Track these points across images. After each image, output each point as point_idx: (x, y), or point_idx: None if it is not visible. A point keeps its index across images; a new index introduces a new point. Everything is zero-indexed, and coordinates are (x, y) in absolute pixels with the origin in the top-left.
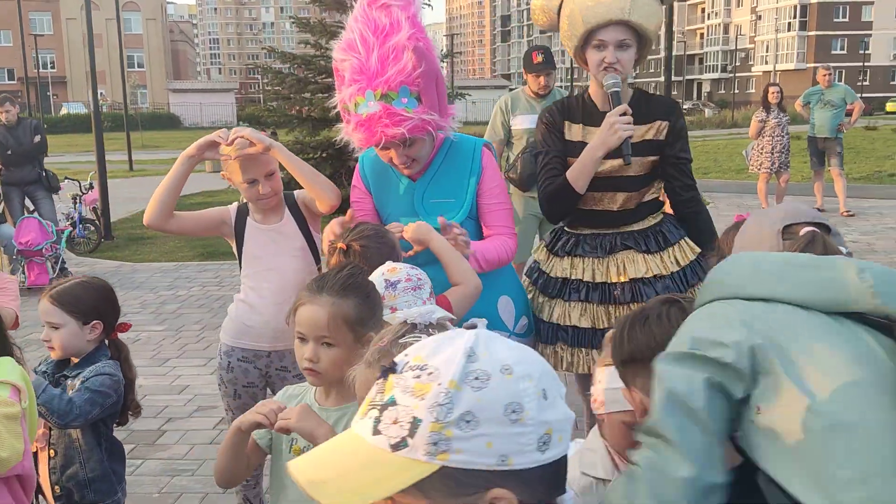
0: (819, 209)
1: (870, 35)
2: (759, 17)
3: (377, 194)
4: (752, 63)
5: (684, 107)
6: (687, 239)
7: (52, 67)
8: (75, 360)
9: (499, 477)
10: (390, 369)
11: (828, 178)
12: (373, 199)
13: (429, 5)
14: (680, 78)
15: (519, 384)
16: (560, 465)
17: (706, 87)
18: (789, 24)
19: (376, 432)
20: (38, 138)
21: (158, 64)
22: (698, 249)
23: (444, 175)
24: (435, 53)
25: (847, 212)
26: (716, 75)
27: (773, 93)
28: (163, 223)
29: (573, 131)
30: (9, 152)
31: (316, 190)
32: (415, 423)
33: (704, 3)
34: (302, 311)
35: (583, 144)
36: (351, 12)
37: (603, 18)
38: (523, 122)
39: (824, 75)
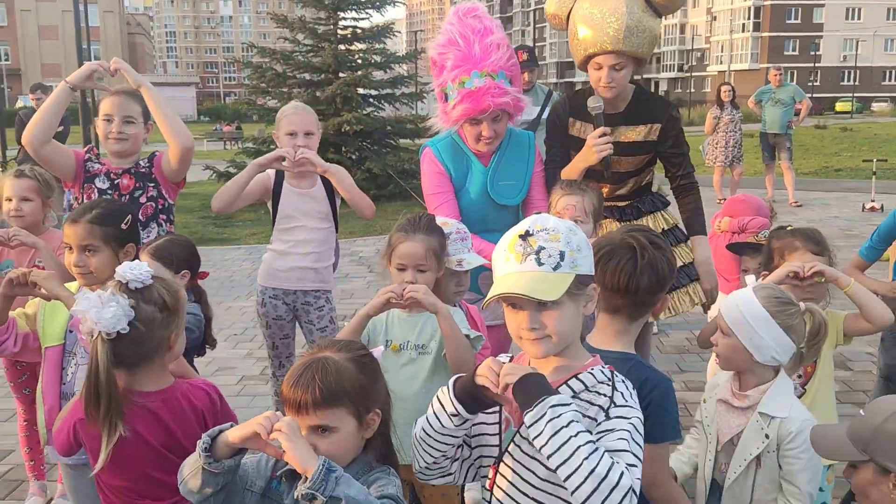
0: (771, 200)
1: (820, 36)
2: (715, 17)
3: (455, 176)
4: (707, 63)
5: None
6: (664, 212)
7: (7, 59)
8: None
9: (590, 278)
10: (527, 235)
11: (778, 172)
12: (451, 177)
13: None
14: (638, 77)
15: (582, 232)
16: None
17: (663, 86)
18: (743, 24)
19: (540, 264)
20: (60, 128)
21: (116, 56)
22: (672, 222)
23: (509, 161)
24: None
25: (795, 202)
26: (672, 74)
27: (725, 91)
28: (228, 209)
29: (576, 127)
30: None
31: (358, 205)
32: (562, 255)
33: None
34: (402, 247)
35: (583, 140)
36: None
37: (598, 48)
38: None
39: (775, 75)
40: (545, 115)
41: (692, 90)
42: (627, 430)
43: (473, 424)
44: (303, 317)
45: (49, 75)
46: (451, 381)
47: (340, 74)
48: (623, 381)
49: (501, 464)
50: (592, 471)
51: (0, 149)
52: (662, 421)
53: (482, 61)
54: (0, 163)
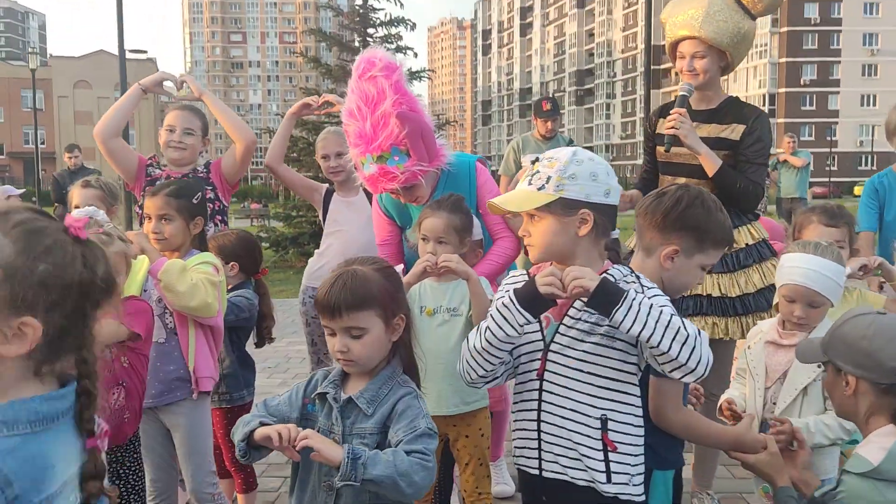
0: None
1: (836, 122)
2: None
3: (399, 221)
4: None
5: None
6: (751, 226)
7: (43, 144)
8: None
9: (585, 205)
10: (535, 161)
11: None
12: (397, 224)
13: (414, 53)
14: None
15: (596, 166)
16: (613, 210)
17: None
18: None
19: (530, 184)
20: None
21: (149, 141)
22: (759, 236)
23: None
24: (419, 107)
25: None
26: None
27: None
28: (276, 165)
29: (661, 125)
30: (65, 191)
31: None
32: (548, 179)
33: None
34: (426, 221)
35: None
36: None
37: (677, 35)
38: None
39: (788, 143)
40: None
41: None
42: (667, 302)
43: None
44: None
45: (84, 158)
46: (511, 295)
47: None
48: (639, 274)
49: (549, 352)
50: (688, 335)
51: None
52: None
53: (372, 142)
54: None
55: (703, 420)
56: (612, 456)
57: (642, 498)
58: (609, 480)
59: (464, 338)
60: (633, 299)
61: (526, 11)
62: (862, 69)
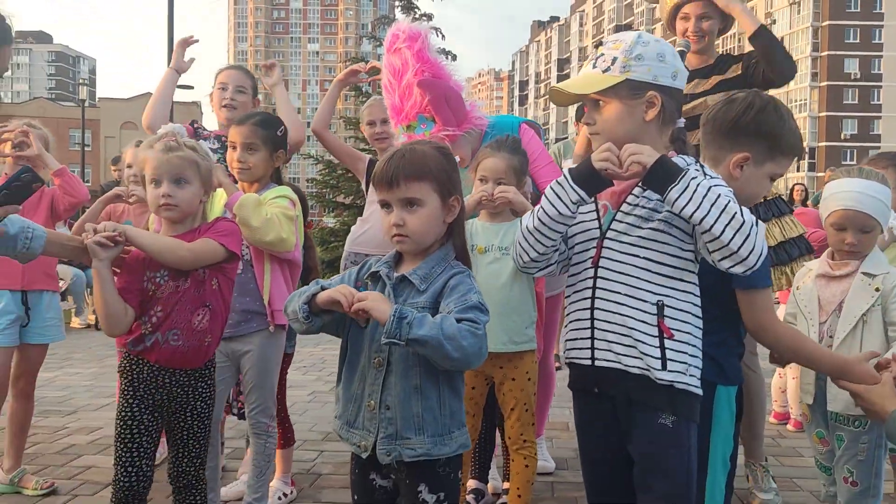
0: None
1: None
2: None
3: None
4: None
5: None
6: None
7: (88, 182)
8: None
9: (652, 87)
10: (599, 44)
11: None
12: None
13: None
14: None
15: (663, 47)
16: (679, 95)
17: None
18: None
19: (595, 67)
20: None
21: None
22: (774, 192)
23: None
24: (445, 72)
25: None
26: None
27: (797, 191)
28: (322, 130)
29: None
30: None
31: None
32: (614, 60)
33: None
34: (486, 161)
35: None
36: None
37: None
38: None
39: (829, 175)
40: None
41: None
42: (729, 193)
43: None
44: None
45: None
46: (566, 173)
47: None
48: (703, 164)
49: (605, 239)
50: (743, 221)
51: None
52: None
53: (400, 113)
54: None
55: (807, 337)
56: (668, 343)
57: (699, 391)
58: (664, 368)
59: (514, 276)
60: (692, 178)
61: (563, 63)
62: None
